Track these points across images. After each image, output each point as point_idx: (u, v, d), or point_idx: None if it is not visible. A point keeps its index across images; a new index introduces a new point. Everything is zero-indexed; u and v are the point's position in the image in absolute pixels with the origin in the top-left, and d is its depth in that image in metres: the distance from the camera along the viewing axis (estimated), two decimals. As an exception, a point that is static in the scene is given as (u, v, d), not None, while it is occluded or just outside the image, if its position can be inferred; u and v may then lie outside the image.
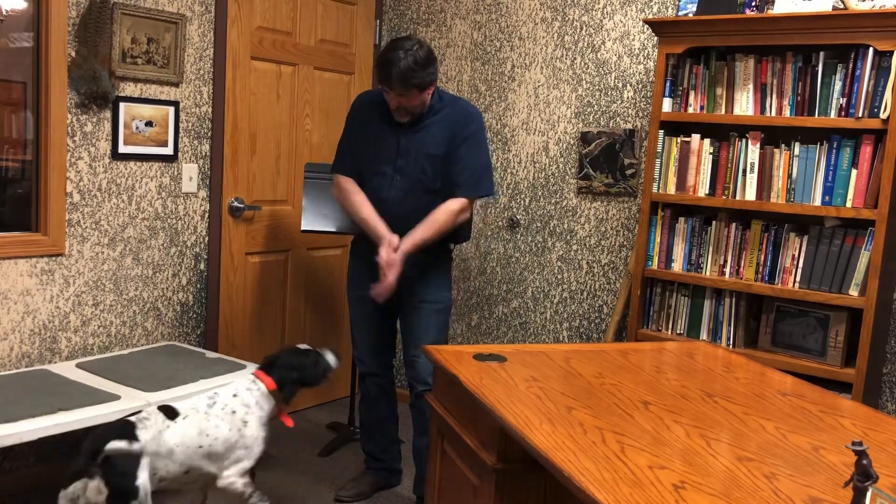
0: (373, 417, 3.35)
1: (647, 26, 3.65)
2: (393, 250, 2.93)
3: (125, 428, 2.33)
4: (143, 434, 2.33)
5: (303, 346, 2.86)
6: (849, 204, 2.95)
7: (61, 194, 3.16)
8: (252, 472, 2.65)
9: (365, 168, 3.09)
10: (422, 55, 2.85)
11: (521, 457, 1.82)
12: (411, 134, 3.01)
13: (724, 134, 3.23)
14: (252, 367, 3.25)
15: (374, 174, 3.06)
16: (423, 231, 2.98)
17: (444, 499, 2.31)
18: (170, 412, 2.46)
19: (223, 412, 2.55)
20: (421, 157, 3.00)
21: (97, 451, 2.21)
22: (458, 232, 3.13)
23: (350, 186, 3.10)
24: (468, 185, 3.03)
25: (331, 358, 2.86)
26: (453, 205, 3.00)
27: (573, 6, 3.89)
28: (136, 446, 2.28)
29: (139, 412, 2.44)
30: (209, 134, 3.70)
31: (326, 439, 3.90)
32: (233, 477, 2.55)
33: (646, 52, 3.70)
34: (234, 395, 2.61)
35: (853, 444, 1.31)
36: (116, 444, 2.24)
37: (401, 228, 3.03)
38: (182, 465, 2.43)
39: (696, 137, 3.27)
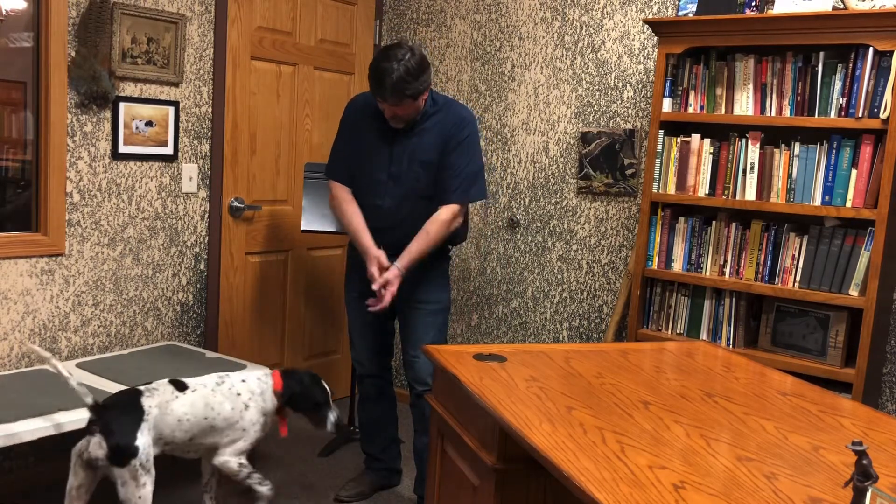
0: (372, 418, 3.35)
1: (647, 26, 3.65)
2: (382, 268, 2.94)
3: (132, 395, 2.51)
4: (148, 401, 2.50)
5: (326, 388, 2.92)
6: (849, 204, 2.95)
7: (61, 194, 3.16)
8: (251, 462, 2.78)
9: (359, 174, 3.07)
10: (414, 64, 2.79)
11: (521, 457, 1.82)
12: (405, 140, 2.98)
13: (724, 134, 3.23)
14: (252, 367, 3.27)
15: (369, 181, 3.04)
16: (418, 245, 2.97)
17: (444, 499, 2.30)
18: (180, 385, 2.62)
19: (229, 392, 2.70)
20: (415, 164, 2.98)
21: (98, 408, 2.39)
22: (456, 234, 3.12)
23: (343, 195, 3.09)
24: (459, 190, 3.00)
25: (332, 417, 2.90)
26: (444, 214, 2.98)
27: (573, 6, 3.88)
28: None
29: (150, 383, 2.59)
30: (209, 134, 3.70)
31: (326, 439, 3.90)
32: (227, 456, 2.70)
33: (646, 52, 3.70)
34: (243, 381, 2.76)
35: (853, 444, 1.31)
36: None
37: (396, 236, 3.02)
38: (186, 433, 2.58)
39: (696, 137, 3.27)
